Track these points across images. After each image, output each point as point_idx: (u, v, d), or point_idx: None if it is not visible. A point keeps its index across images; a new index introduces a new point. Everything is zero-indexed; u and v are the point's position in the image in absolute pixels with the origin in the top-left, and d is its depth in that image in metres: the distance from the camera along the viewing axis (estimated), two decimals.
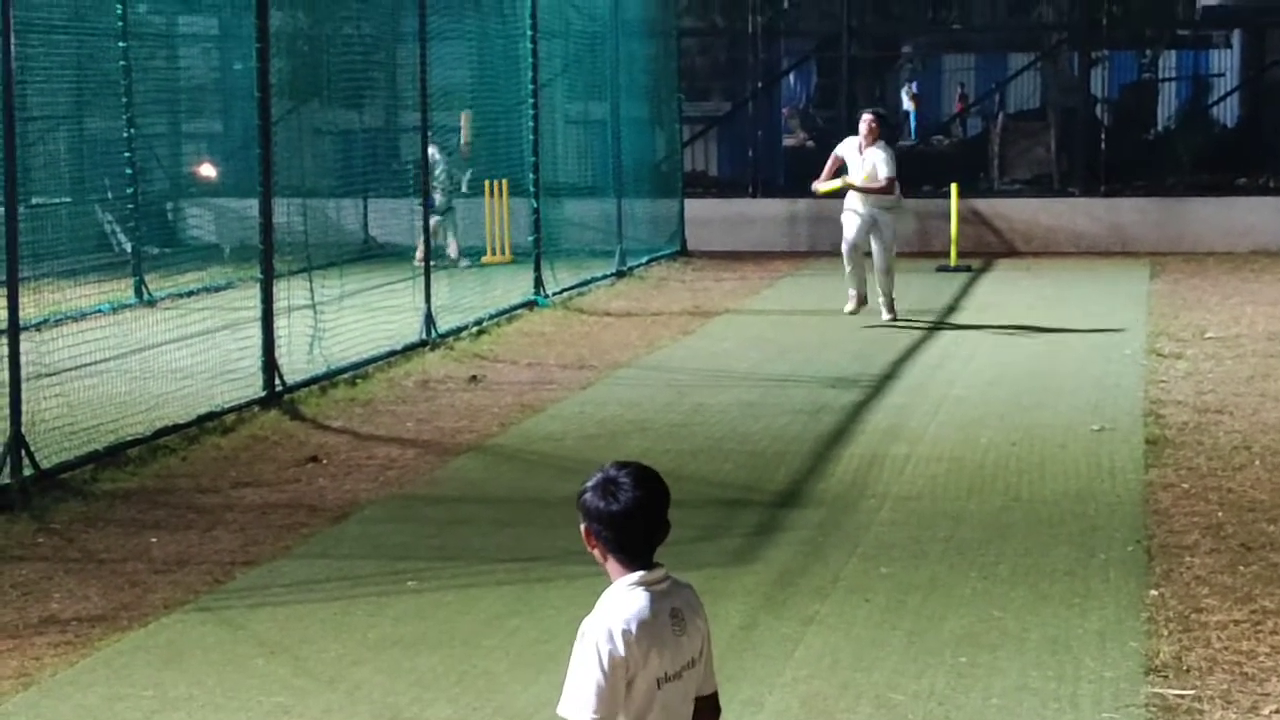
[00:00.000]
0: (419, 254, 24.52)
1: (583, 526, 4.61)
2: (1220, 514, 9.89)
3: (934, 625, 7.94)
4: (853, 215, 18.30)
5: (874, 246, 18.24)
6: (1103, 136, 28.44)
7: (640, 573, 4.62)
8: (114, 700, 7.12)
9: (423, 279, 17.35)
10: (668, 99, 27.25)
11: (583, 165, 24.07)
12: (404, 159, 25.43)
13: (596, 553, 4.70)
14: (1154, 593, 8.36)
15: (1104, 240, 26.92)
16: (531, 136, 20.83)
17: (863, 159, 18.05)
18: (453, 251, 24.05)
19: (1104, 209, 27.30)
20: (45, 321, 14.65)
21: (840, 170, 18.40)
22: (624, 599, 4.56)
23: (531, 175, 21.02)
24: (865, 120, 18.32)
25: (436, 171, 24.19)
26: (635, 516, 4.67)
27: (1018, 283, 22.37)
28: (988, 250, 26.38)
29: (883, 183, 17.97)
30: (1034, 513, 10.10)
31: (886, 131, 18.75)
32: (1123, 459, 11.45)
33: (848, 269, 18.30)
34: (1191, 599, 8.25)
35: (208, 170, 27.29)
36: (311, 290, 15.57)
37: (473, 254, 24.19)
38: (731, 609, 8.23)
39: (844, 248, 18.32)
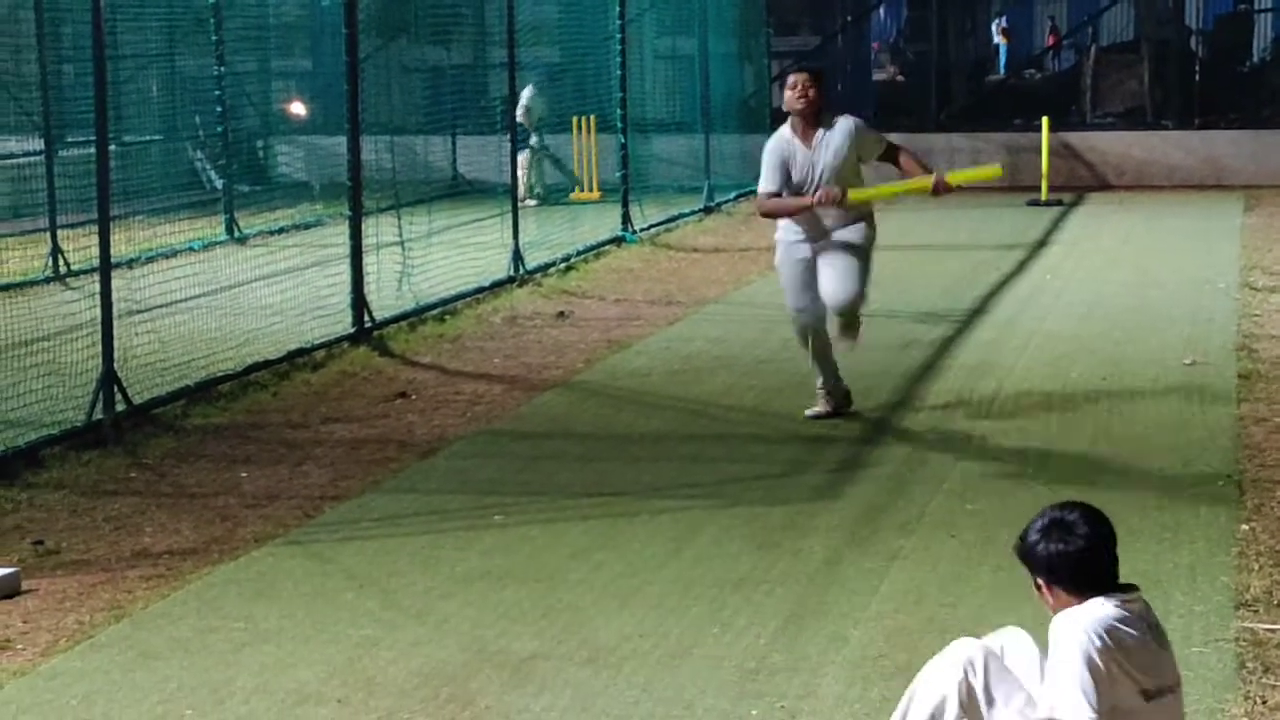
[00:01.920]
0: (521, 192, 24.62)
1: (1038, 580, 4.61)
2: None
3: (1020, 561, 7.87)
4: (803, 250, 10.71)
5: (841, 281, 10.65)
6: (1197, 68, 28.10)
7: (1115, 595, 4.77)
8: (205, 632, 7.19)
9: (511, 215, 17.36)
10: (755, 34, 27.12)
11: (671, 101, 23.98)
12: (491, 96, 25.48)
13: (1047, 596, 4.84)
14: (1245, 527, 8.28)
15: (1197, 173, 26.63)
16: (619, 72, 20.75)
17: (824, 150, 10.51)
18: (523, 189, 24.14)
19: (1198, 141, 27.00)
20: (136, 259, 14.78)
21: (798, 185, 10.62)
22: (1097, 610, 4.70)
23: (619, 111, 20.95)
24: (795, 86, 10.66)
25: (532, 108, 24.21)
26: (1098, 550, 4.71)
27: (1109, 217, 22.18)
28: (1079, 184, 26.16)
29: (915, 167, 11.07)
30: (1124, 447, 10.02)
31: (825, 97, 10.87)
32: (1214, 393, 11.34)
33: (810, 353, 10.89)
34: None
35: (297, 108, 27.40)
36: (400, 227, 15.61)
37: (559, 191, 24.21)
38: (815, 544, 8.22)
39: (796, 315, 10.85)
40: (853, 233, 10.75)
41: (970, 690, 5.03)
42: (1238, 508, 8.64)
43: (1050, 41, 44.82)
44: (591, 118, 23.56)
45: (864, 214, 10.87)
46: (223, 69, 20.52)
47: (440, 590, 7.69)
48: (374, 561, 8.14)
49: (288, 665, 6.79)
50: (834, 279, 10.63)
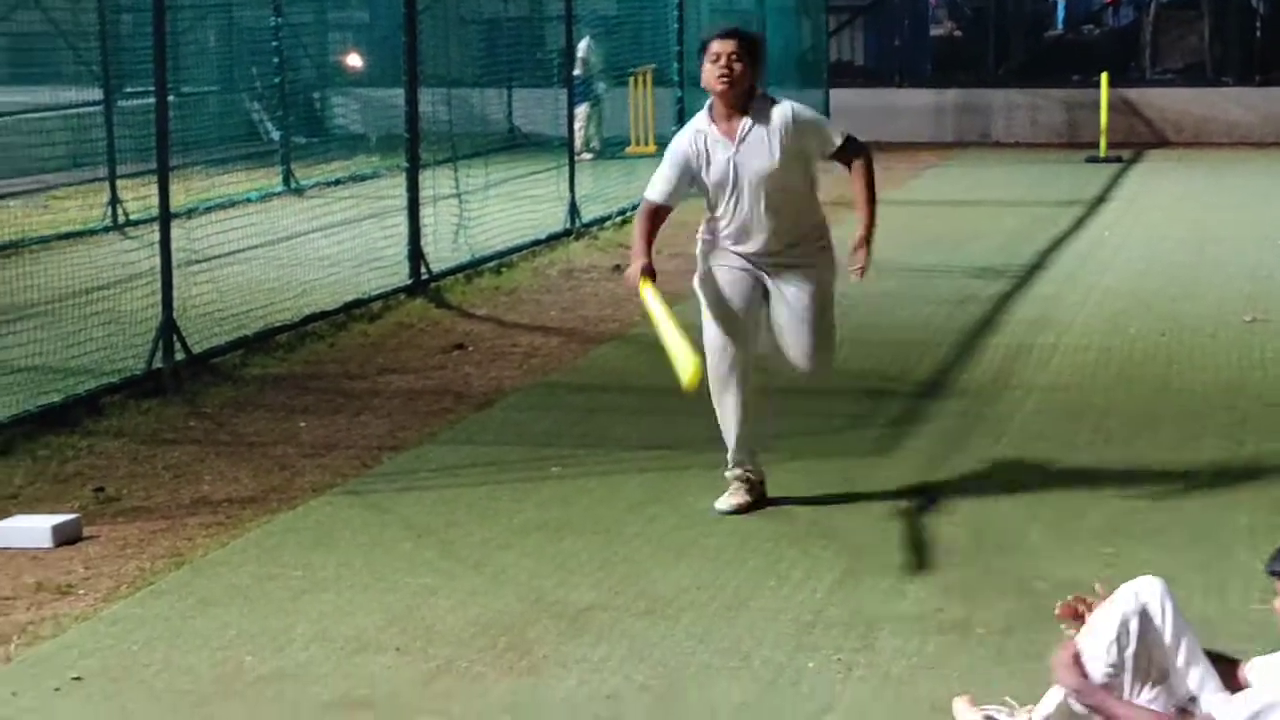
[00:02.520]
0: (578, 145, 24.58)
1: None
2: None
3: (1077, 516, 7.88)
4: (744, 278, 8.11)
5: (806, 339, 8.09)
6: (1258, 24, 27.85)
7: None
8: (264, 579, 7.23)
9: (567, 169, 17.35)
10: None
11: None
12: (548, 48, 25.46)
13: None
14: None
15: (1258, 130, 26.43)
16: (676, 25, 20.68)
17: (751, 149, 7.83)
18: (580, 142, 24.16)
19: (1259, 98, 26.79)
20: (195, 210, 14.82)
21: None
22: None
23: (676, 65, 20.89)
24: (716, 58, 7.74)
25: (590, 61, 24.17)
26: None
27: (1168, 174, 22.05)
28: (1138, 141, 25.99)
29: (863, 194, 8.32)
30: (1183, 404, 9.98)
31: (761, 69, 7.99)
32: (1274, 350, 11.28)
33: (731, 413, 8.24)
34: None
35: (354, 60, 27.41)
36: (456, 180, 15.62)
37: (615, 144, 24.16)
38: (872, 499, 8.21)
39: (724, 349, 8.27)
40: (806, 270, 7.98)
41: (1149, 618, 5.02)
42: None
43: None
44: (648, 71, 23.49)
45: (817, 229, 8.11)
46: (280, 20, 20.54)
47: (498, 541, 7.72)
48: (431, 512, 8.17)
49: (346, 613, 6.82)
50: (796, 334, 7.99)
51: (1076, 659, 5.04)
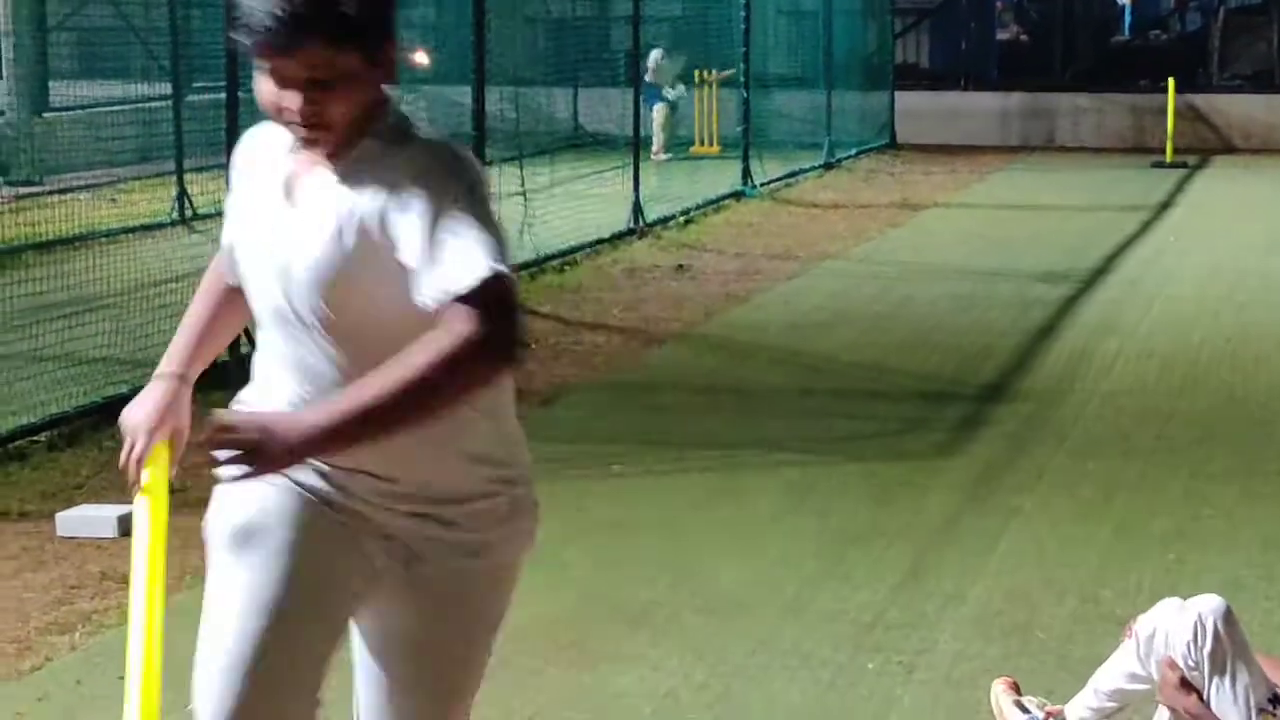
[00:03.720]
0: (655, 146, 24.62)
1: None
2: None
3: (1142, 522, 7.85)
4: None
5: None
6: None
7: None
8: None
9: (631, 168, 17.38)
10: None
11: (793, 56, 23.89)
12: (614, 49, 25.49)
13: None
14: None
15: None
16: (743, 26, 20.69)
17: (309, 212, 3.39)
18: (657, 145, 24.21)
19: None
20: None
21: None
22: None
23: (742, 65, 20.91)
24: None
25: (661, 69, 24.23)
26: None
27: (1235, 180, 21.91)
28: (1204, 147, 25.82)
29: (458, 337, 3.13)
30: (1247, 412, 9.93)
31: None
32: None
33: None
34: None
35: (420, 57, 27.48)
36: (522, 178, 15.65)
37: (680, 145, 24.18)
38: (934, 502, 8.20)
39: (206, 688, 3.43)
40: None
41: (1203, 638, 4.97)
42: None
43: (1177, 3, 44.14)
44: (714, 72, 23.53)
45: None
46: None
47: (559, 538, 7.68)
48: None
49: None
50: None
51: (1183, 681, 4.97)
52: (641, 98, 24.87)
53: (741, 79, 20.88)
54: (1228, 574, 7.11)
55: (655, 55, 24.75)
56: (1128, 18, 43.54)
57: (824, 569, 7.26)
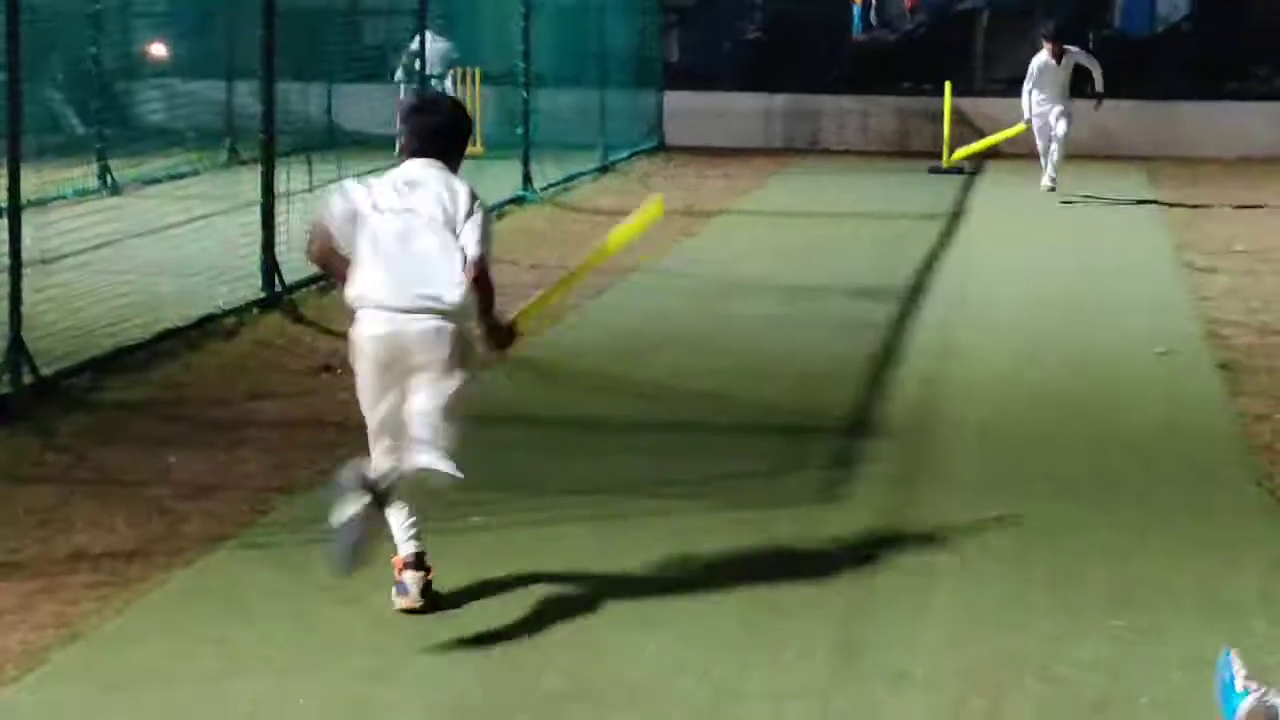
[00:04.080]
0: None
1: None
2: None
3: (1073, 579, 7.19)
4: None
5: None
6: (1089, 35, 27.71)
7: None
8: (175, 658, 6.28)
9: None
10: None
11: (564, 54, 23.06)
12: (369, 42, 24.48)
13: None
14: None
15: (1090, 143, 26.11)
16: (523, 23, 19.82)
17: None
18: None
19: (1089, 111, 26.52)
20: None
21: None
22: None
23: (520, 64, 20.03)
24: None
25: (436, 57, 23.21)
26: None
27: (1018, 186, 21.60)
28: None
29: None
30: (1131, 446, 9.36)
31: None
32: (1201, 386, 10.74)
33: None
34: None
35: (159, 49, 26.11)
36: (311, 179, 14.61)
37: None
38: (839, 557, 7.45)
39: None
40: None
41: None
42: None
43: (909, 4, 44.31)
44: (476, 70, 22.62)
45: None
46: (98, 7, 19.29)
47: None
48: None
49: (280, 703, 5.91)
50: None
51: None
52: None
53: (522, 79, 19.96)
54: (1189, 646, 6.47)
55: (441, 44, 23.72)
56: (857, 18, 43.66)
57: (746, 642, 6.47)
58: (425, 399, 6.75)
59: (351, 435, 9.26)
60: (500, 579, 7.15)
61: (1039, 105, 20.53)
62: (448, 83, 22.45)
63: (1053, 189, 20.09)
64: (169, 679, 6.10)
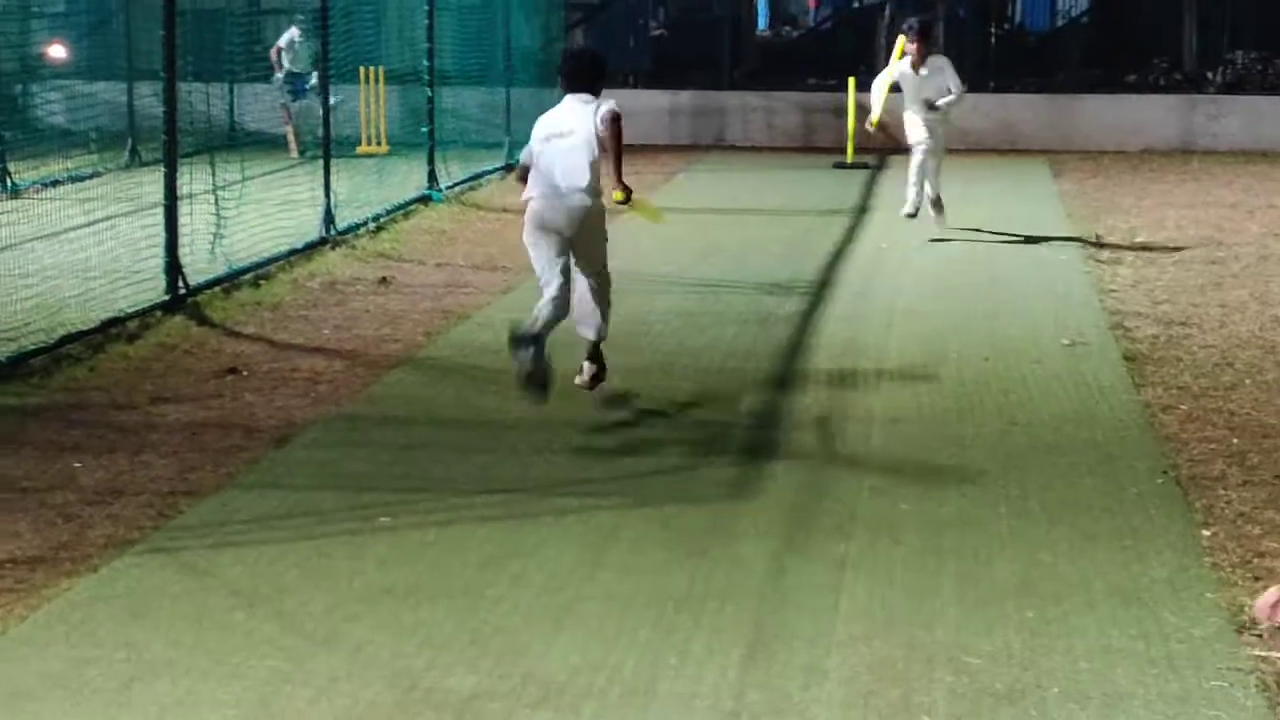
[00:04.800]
0: (292, 145, 23.50)
1: None
2: (1236, 441, 9.25)
3: (982, 571, 7.21)
4: None
5: None
6: (991, 31, 27.88)
7: None
8: (82, 664, 6.20)
9: (322, 171, 16.30)
10: None
11: (469, 52, 22.94)
12: (270, 43, 24.28)
13: None
14: (1206, 533, 7.68)
15: (993, 137, 26.36)
16: (426, 21, 19.71)
17: None
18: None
19: (993, 104, 26.70)
20: None
21: None
22: None
23: (426, 63, 19.92)
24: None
25: (300, 52, 23.14)
26: None
27: None
28: (874, 146, 25.63)
29: None
30: (1038, 438, 9.40)
31: None
32: (1107, 377, 10.79)
33: None
34: (1247, 539, 7.59)
35: (57, 51, 25.82)
36: (214, 184, 14.47)
37: (347, 144, 23.10)
38: (750, 551, 7.45)
39: None
40: None
41: None
42: (1187, 510, 8.05)
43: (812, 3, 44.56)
44: (380, 68, 22.50)
45: None
46: None
47: (344, 610, 6.77)
48: (257, 574, 7.19)
49: (189, 707, 5.84)
50: None
51: None
52: (285, 90, 23.83)
53: (426, 77, 19.85)
54: (1097, 635, 6.51)
55: (291, 35, 23.62)
56: (762, 12, 43.77)
57: (657, 640, 6.44)
58: (583, 282, 10.16)
59: (258, 439, 9.25)
60: (410, 579, 7.10)
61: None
62: (314, 79, 22.43)
63: (913, 215, 16.54)
64: (76, 686, 6.02)
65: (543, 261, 10.07)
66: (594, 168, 9.87)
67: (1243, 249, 15.92)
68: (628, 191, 9.98)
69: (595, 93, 10.16)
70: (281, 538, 7.68)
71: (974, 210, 18.44)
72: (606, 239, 10.24)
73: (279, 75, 23.82)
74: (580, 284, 10.12)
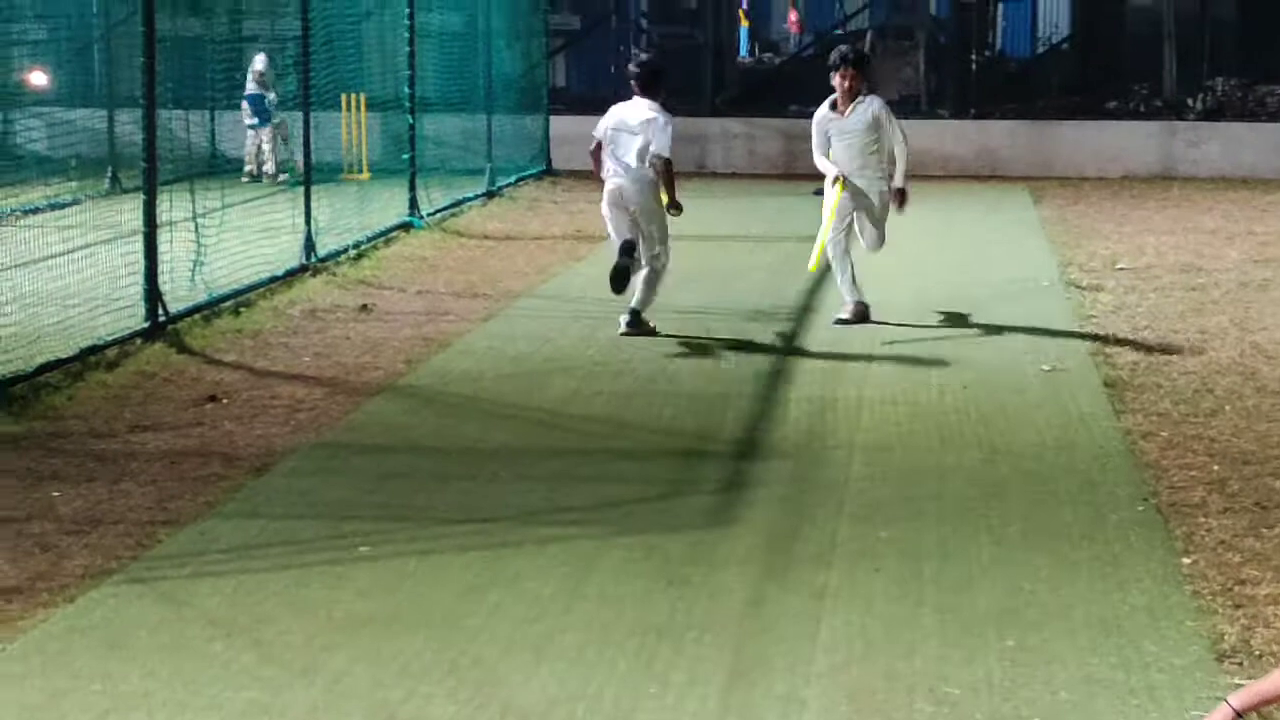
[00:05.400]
0: (269, 168, 23.50)
1: None
2: (1216, 468, 9.25)
3: (962, 600, 7.20)
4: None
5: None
6: (972, 57, 27.93)
7: None
8: (58, 697, 6.16)
9: (303, 198, 16.28)
10: (533, 11, 26.23)
11: (450, 79, 22.96)
12: (247, 70, 24.25)
13: None
14: (1186, 561, 7.68)
15: (973, 163, 26.44)
16: (407, 48, 19.72)
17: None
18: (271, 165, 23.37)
19: (974, 130, 26.78)
20: None
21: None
22: None
23: (407, 90, 19.91)
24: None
25: (269, 78, 23.20)
26: None
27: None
28: None
29: None
30: (1020, 466, 9.39)
31: None
32: (1087, 404, 10.80)
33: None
34: (1228, 568, 7.58)
35: (38, 78, 25.80)
36: (195, 212, 14.44)
37: (331, 170, 23.10)
38: (730, 580, 7.43)
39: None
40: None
41: None
42: (1168, 538, 8.04)
43: (793, 25, 44.66)
44: (362, 95, 22.49)
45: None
46: None
47: (322, 640, 6.75)
48: (235, 604, 7.16)
49: None
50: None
51: None
52: (250, 113, 23.85)
53: (407, 104, 19.84)
54: (1077, 665, 6.49)
55: (260, 61, 23.64)
56: (744, 39, 43.86)
57: (637, 670, 6.42)
58: (643, 243, 12.82)
59: (237, 467, 9.23)
60: (389, 609, 7.08)
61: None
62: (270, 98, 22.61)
63: (848, 320, 13.32)
64: (51, 718, 5.98)
65: (616, 233, 12.86)
66: (649, 162, 12.69)
67: (1223, 275, 15.96)
68: (679, 208, 12.86)
69: (657, 98, 12.90)
70: (260, 567, 7.65)
71: (954, 236, 18.47)
72: (665, 222, 12.94)
73: (271, 96, 23.81)
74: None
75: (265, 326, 13.39)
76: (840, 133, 13.43)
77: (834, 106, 13.47)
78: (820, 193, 22.73)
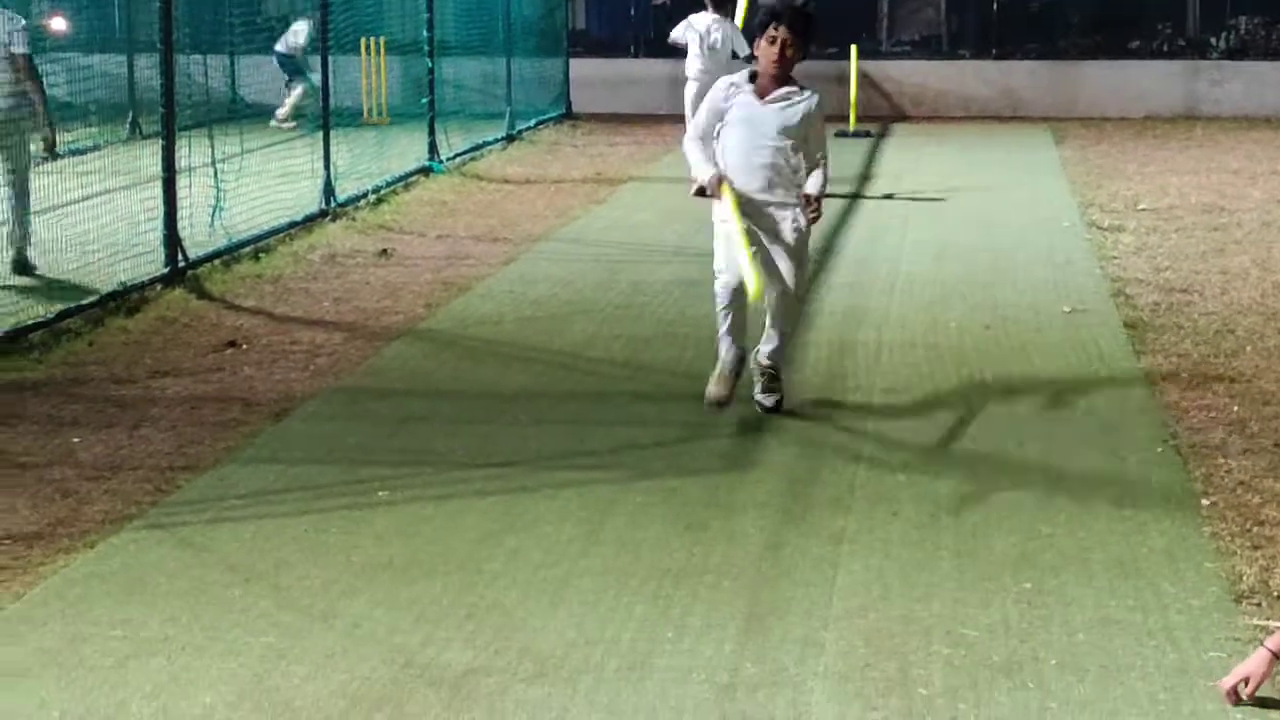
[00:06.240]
0: (285, 113, 23.47)
1: None
2: (1237, 409, 9.21)
3: (980, 544, 7.19)
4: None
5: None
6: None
7: None
8: (78, 642, 6.19)
9: (321, 143, 16.26)
10: None
11: (469, 22, 22.89)
12: (271, 13, 24.23)
13: None
14: (1205, 503, 7.66)
15: (995, 104, 26.35)
16: None
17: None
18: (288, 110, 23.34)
19: (996, 72, 26.69)
20: None
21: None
22: None
23: (426, 33, 19.86)
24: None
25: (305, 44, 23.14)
26: None
27: (923, 148, 21.69)
28: (877, 114, 25.66)
29: None
30: (1039, 407, 9.37)
31: None
32: (1107, 345, 10.77)
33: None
34: (1247, 509, 7.56)
35: (58, 23, 25.78)
36: (214, 157, 14.44)
37: (350, 115, 23.06)
38: (748, 525, 7.43)
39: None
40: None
41: None
42: (1187, 479, 8.02)
43: None
44: (381, 39, 22.46)
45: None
46: None
47: (341, 585, 6.76)
48: (254, 549, 7.18)
49: (185, 684, 5.82)
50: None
51: None
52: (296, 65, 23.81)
53: (426, 47, 19.79)
54: (1094, 607, 6.48)
55: (302, 27, 23.57)
56: None
57: (654, 615, 6.42)
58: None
59: (256, 412, 9.25)
60: (407, 554, 7.09)
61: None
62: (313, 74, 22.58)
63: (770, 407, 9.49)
64: (72, 663, 6.01)
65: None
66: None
67: (1245, 215, 15.89)
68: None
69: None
70: (279, 512, 7.66)
71: (975, 177, 18.41)
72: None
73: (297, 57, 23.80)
74: None
75: (285, 272, 13.39)
76: (749, 124, 8.95)
77: (752, 79, 8.99)
78: (842, 134, 22.76)
